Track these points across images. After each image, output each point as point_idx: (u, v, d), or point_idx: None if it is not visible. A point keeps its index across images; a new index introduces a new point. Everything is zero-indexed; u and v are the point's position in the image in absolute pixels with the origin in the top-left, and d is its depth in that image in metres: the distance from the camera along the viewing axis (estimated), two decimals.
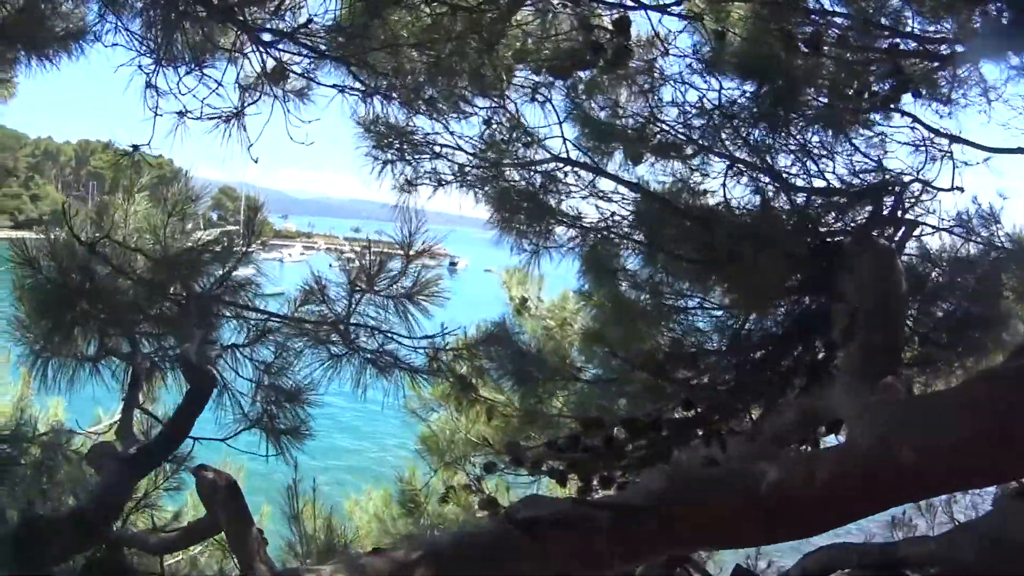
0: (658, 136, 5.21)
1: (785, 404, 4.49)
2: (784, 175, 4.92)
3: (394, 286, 4.75)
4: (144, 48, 4.84)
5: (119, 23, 4.97)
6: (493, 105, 5.48)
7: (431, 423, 8.03)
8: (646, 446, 3.83)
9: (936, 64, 4.79)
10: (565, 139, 5.46)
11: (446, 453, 8.11)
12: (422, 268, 4.84)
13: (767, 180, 4.95)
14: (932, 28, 4.71)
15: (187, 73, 4.82)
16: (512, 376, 6.14)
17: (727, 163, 4.94)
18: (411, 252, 4.76)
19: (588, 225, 5.64)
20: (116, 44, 4.96)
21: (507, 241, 5.85)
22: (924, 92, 4.75)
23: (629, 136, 5.29)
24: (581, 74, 5.29)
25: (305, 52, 4.70)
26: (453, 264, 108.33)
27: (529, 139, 5.53)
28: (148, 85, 4.87)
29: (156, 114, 4.75)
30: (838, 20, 4.76)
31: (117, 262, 4.59)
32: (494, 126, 5.56)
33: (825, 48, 4.60)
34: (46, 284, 4.45)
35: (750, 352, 5.06)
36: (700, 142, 5.08)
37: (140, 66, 4.91)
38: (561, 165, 5.52)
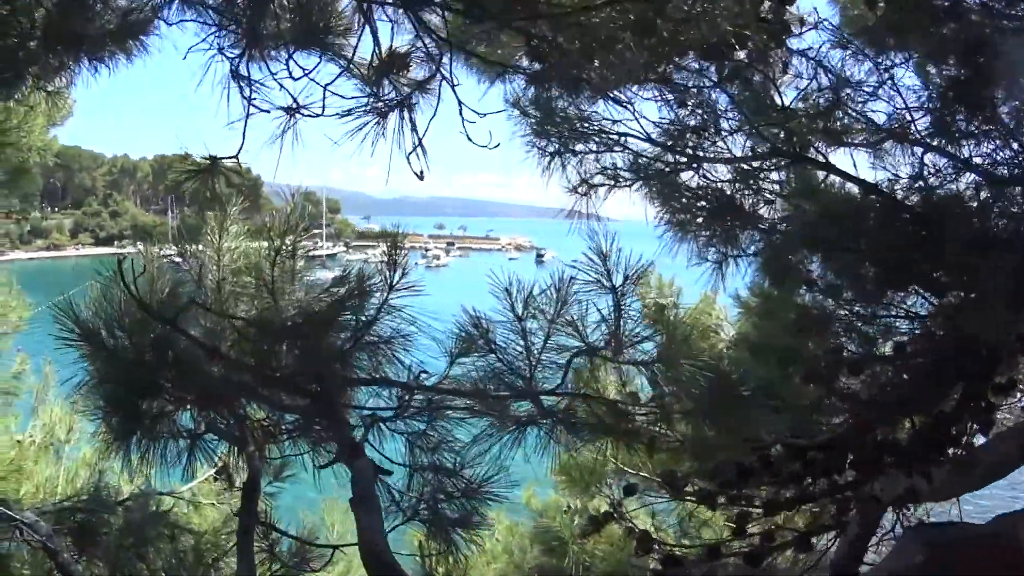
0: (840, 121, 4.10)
1: (1000, 432, 3.67)
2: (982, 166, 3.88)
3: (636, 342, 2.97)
4: (228, 22, 3.06)
5: None
6: (702, 84, 3.94)
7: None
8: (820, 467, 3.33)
9: None
10: (780, 128, 4.06)
11: (591, 485, 6.34)
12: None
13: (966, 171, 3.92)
14: None
15: (295, 51, 3.02)
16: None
17: (921, 152, 3.91)
18: (619, 285, 3.00)
19: (767, 226, 4.47)
20: (184, 20, 3.20)
21: (683, 249, 4.53)
22: None
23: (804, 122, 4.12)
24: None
25: (470, 17, 2.86)
26: (540, 256, 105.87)
27: (742, 125, 4.04)
28: (235, 76, 3.11)
29: (250, 101, 2.97)
30: None
31: (208, 329, 2.89)
32: (691, 109, 4.01)
33: None
34: (117, 366, 2.77)
35: (918, 359, 3.89)
36: (895, 127, 3.99)
37: (221, 50, 3.13)
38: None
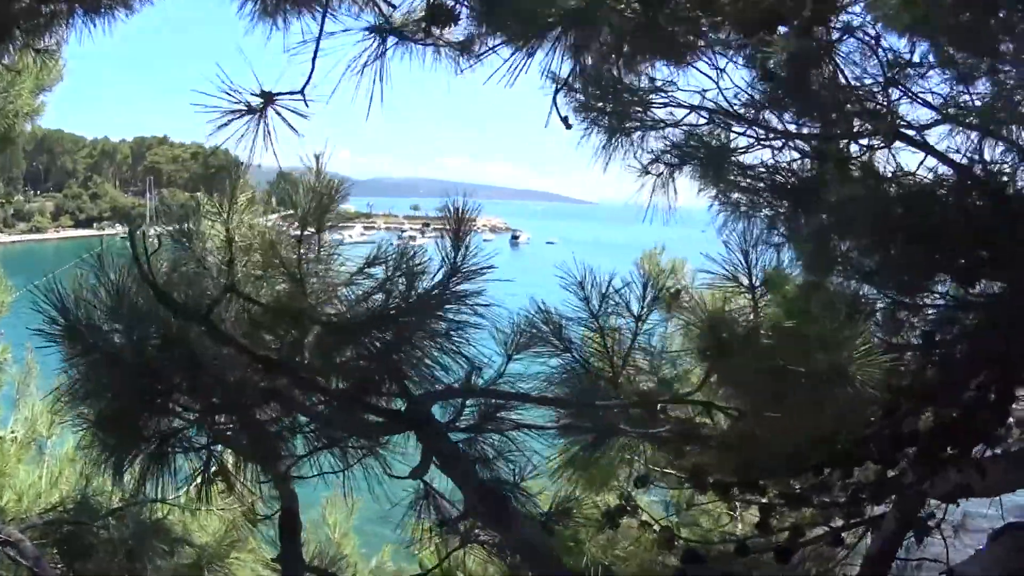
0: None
1: None
2: None
3: None
4: None
5: None
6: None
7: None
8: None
9: None
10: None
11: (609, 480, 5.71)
12: None
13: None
14: None
15: None
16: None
17: (978, 136, 3.52)
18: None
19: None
20: None
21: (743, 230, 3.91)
22: None
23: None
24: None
25: None
26: (515, 238, 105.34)
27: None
28: None
29: (327, 14, 2.26)
30: None
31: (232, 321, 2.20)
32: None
33: None
34: (116, 372, 2.07)
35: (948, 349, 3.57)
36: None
37: None
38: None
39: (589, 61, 3.70)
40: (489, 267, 2.40)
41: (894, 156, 3.77)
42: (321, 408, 2.39)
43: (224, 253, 2.63)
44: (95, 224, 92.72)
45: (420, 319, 2.34)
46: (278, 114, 2.33)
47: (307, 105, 2.33)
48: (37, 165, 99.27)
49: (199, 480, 2.46)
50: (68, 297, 2.16)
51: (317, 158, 2.94)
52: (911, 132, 3.66)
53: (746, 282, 2.54)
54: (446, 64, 3.44)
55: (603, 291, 2.66)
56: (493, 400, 2.51)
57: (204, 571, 4.55)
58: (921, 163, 3.70)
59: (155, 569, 4.25)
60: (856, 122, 3.74)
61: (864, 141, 3.74)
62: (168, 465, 2.39)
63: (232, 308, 2.25)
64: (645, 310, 2.65)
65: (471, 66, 3.26)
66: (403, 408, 2.35)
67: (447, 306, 2.39)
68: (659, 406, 2.47)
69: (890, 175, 3.74)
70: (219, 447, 2.55)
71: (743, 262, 2.54)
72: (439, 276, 2.39)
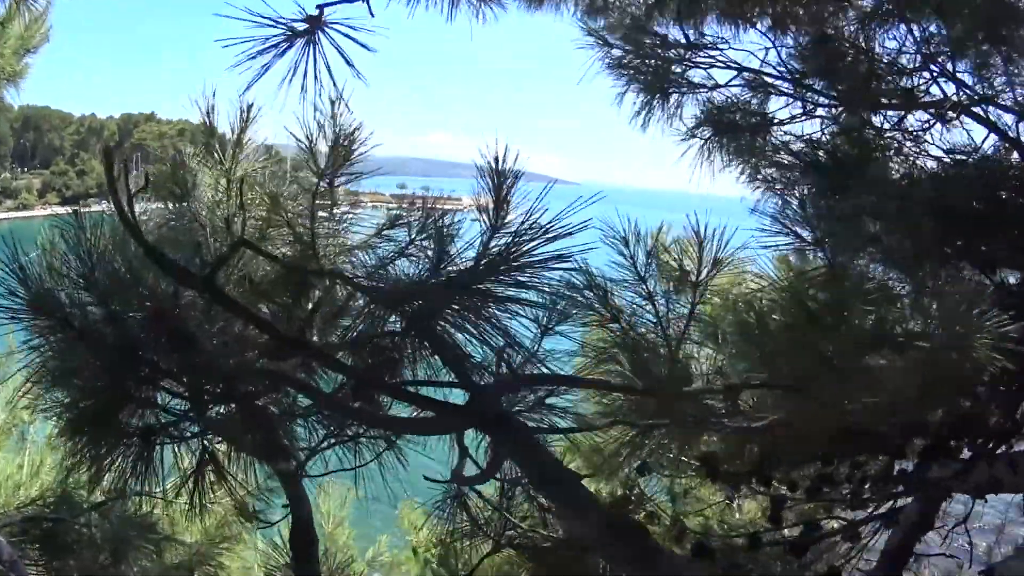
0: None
1: None
2: None
3: None
4: None
5: None
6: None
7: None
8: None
9: None
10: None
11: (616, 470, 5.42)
12: None
13: None
14: None
15: None
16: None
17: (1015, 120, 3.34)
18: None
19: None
20: None
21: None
22: None
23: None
24: None
25: None
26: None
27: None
28: None
29: None
30: None
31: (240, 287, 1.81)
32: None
33: None
34: (90, 353, 1.68)
35: None
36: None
37: None
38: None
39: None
40: (540, 228, 1.97)
41: (962, 127, 3.49)
42: (351, 401, 1.99)
43: (227, 206, 2.24)
44: (80, 201, 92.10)
45: (484, 285, 1.93)
46: (333, 43, 1.83)
47: (372, 15, 1.84)
48: (24, 142, 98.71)
49: (192, 481, 2.08)
50: (32, 265, 1.77)
51: (333, 103, 2.56)
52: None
53: (809, 237, 2.09)
54: (465, 10, 3.15)
55: (649, 249, 2.21)
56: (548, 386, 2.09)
57: (194, 571, 4.19)
58: (984, 139, 3.43)
59: (141, 569, 3.88)
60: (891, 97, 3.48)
61: (925, 114, 3.47)
62: (154, 462, 2.02)
63: (232, 275, 1.86)
64: (704, 275, 2.23)
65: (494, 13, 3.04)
66: (466, 400, 1.93)
67: (514, 272, 1.98)
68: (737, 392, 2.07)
69: (918, 153, 3.50)
70: (211, 436, 2.17)
71: (804, 214, 2.08)
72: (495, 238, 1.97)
